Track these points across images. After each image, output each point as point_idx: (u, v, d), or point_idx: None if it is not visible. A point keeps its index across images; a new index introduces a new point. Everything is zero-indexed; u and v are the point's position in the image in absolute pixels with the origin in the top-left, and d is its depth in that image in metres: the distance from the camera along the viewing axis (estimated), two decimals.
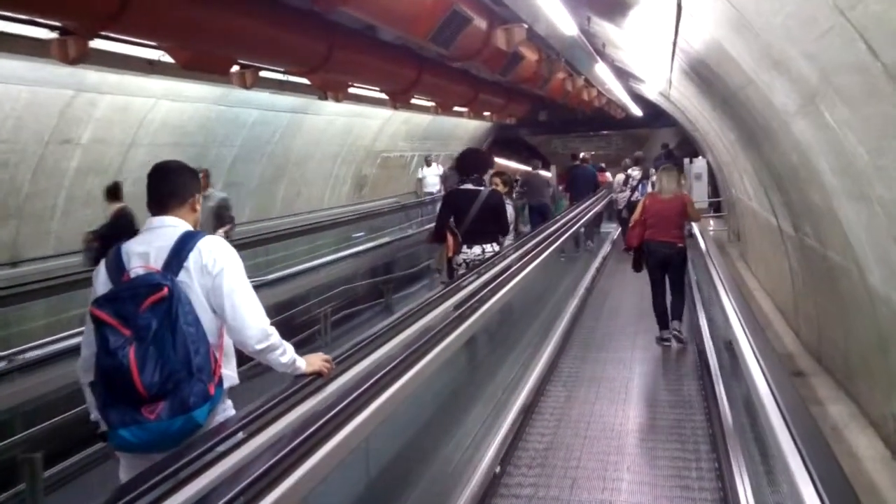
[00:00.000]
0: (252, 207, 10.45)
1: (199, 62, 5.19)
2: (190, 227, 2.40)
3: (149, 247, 2.32)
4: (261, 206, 10.61)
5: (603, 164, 17.11)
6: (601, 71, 9.16)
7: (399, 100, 9.58)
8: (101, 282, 2.33)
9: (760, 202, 8.06)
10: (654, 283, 6.45)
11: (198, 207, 2.51)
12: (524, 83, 9.19)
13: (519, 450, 4.34)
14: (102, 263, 2.37)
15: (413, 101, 11.79)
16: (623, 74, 12.78)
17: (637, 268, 6.63)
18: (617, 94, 12.94)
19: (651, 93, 14.28)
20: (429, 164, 15.79)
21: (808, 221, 5.19)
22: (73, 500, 4.08)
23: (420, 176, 15.79)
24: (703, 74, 6.23)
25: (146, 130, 7.66)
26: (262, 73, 7.01)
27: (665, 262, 6.37)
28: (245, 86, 6.79)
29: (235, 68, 6.60)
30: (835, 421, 4.71)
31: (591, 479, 3.96)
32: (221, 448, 2.03)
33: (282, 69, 6.99)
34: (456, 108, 13.88)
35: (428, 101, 11.83)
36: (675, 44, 5.69)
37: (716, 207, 15.97)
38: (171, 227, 2.37)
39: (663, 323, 6.44)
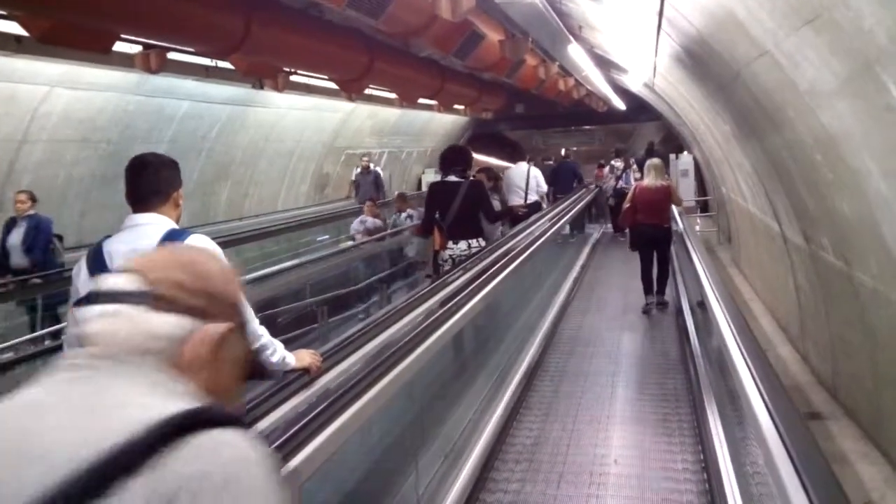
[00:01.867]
0: (189, 212, 9.31)
1: (62, 35, 4.07)
2: (174, 225, 2.30)
3: (133, 245, 2.19)
4: (199, 210, 9.46)
5: (602, 161, 15.89)
6: (577, 56, 8.10)
7: (351, 89, 8.48)
8: (83, 280, 2.23)
9: (759, 204, 7.06)
10: (643, 258, 7.38)
11: (181, 202, 2.40)
12: (489, 70, 8.12)
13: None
14: (83, 261, 2.27)
15: (370, 91, 10.73)
16: (604, 64, 11.76)
17: (633, 247, 7.59)
18: (597, 85, 11.89)
19: (635, 84, 13.29)
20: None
21: (828, 233, 4.18)
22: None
23: (353, 178, 12.89)
24: (698, 55, 5.20)
25: (41, 124, 6.50)
26: (173, 56, 5.89)
27: (653, 241, 7.29)
28: (150, 70, 5.67)
29: (134, 49, 5.48)
30: (868, 490, 3.71)
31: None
32: None
33: (190, 49, 5.85)
34: (423, 101, 12.82)
35: (386, 91, 10.74)
36: (661, 15, 4.65)
37: (702, 206, 14.98)
38: (154, 224, 2.26)
39: (649, 291, 7.39)
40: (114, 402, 0.71)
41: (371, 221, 8.98)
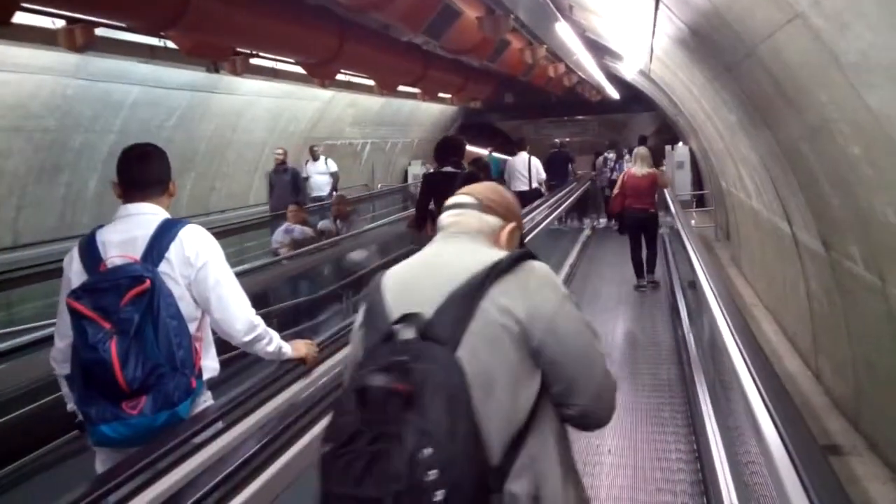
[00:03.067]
0: None
1: None
2: (168, 215, 2.28)
3: (127, 235, 2.20)
4: None
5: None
6: (567, 37, 7.39)
7: (320, 75, 7.77)
8: (75, 271, 2.20)
9: (765, 201, 6.39)
10: (632, 240, 7.94)
11: (174, 192, 2.38)
12: (469, 53, 7.42)
13: None
14: (75, 251, 2.23)
15: (347, 77, 10.00)
16: (597, 50, 11.05)
17: (622, 231, 8.41)
18: (589, 71, 11.18)
19: (629, 71, 12.60)
20: (315, 159, 11.38)
21: (858, 241, 3.51)
22: None
23: (304, 175, 10.99)
24: (704, 32, 4.52)
25: None
26: (104, 33, 5.16)
27: (641, 224, 7.90)
28: (76, 48, 4.95)
29: (58, 23, 4.75)
30: None
31: None
32: (200, 438, 1.98)
33: (121, 25, 5.12)
34: (404, 89, 12.09)
35: (364, 77, 10.02)
36: None
37: (698, 200, 14.32)
38: (149, 214, 2.24)
39: (639, 272, 7.95)
40: (474, 249, 1.44)
41: (298, 230, 7.50)
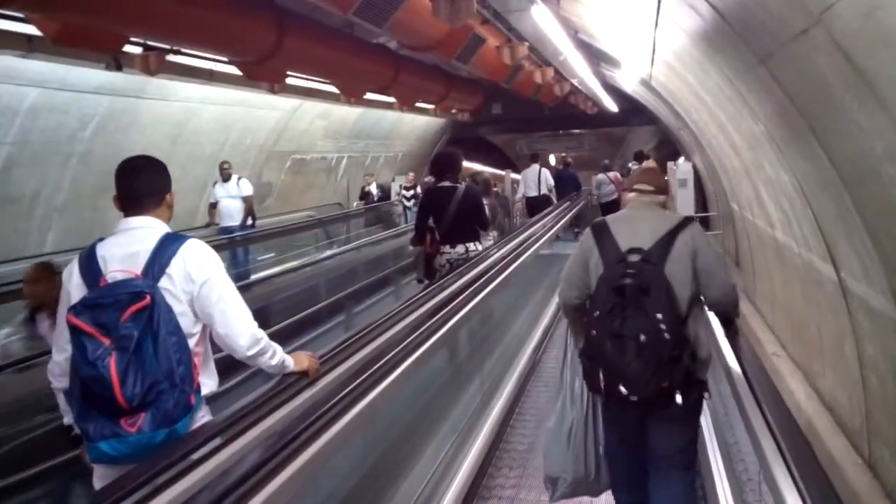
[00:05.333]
0: (61, 231, 7.29)
1: None
2: (168, 229, 2.28)
3: (127, 249, 2.18)
4: (78, 228, 7.44)
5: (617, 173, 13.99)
6: (549, 28, 6.13)
7: (256, 75, 6.51)
8: (75, 285, 2.17)
9: (797, 235, 5.11)
10: None
11: (172, 204, 2.39)
12: (433, 50, 6.15)
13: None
14: (75, 264, 2.20)
15: (306, 82, 8.74)
16: (592, 56, 9.84)
17: None
18: (581, 75, 9.91)
19: (629, 81, 11.41)
20: (225, 179, 9.05)
21: None
22: None
23: (212, 199, 9.19)
24: (735, 13, 3.26)
25: None
26: None
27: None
28: None
29: None
30: None
31: None
32: (199, 454, 1.93)
33: None
34: (379, 98, 10.85)
35: (324, 83, 8.76)
36: None
37: (701, 222, 12.96)
38: (149, 228, 2.24)
39: None
40: (658, 213, 2.82)
41: None
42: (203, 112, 8.87)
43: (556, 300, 8.27)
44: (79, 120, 6.96)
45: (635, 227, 2.67)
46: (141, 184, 2.29)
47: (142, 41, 5.59)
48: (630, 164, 12.98)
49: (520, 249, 5.91)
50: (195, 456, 1.90)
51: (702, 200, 13.39)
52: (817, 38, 2.46)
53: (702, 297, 2.67)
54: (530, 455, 4.05)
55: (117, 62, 5.55)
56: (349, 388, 2.40)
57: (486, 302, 4.27)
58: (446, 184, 5.32)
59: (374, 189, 13.86)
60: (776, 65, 3.20)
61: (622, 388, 2.47)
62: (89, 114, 7.01)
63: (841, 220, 3.60)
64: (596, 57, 10.80)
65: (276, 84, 7.54)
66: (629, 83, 11.89)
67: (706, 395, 2.69)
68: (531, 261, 6.94)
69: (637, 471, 2.78)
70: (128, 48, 5.60)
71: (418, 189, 14.27)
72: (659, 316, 2.42)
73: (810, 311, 5.41)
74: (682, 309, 2.53)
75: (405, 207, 13.62)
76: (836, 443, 4.44)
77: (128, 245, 2.18)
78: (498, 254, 5.38)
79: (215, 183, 9.11)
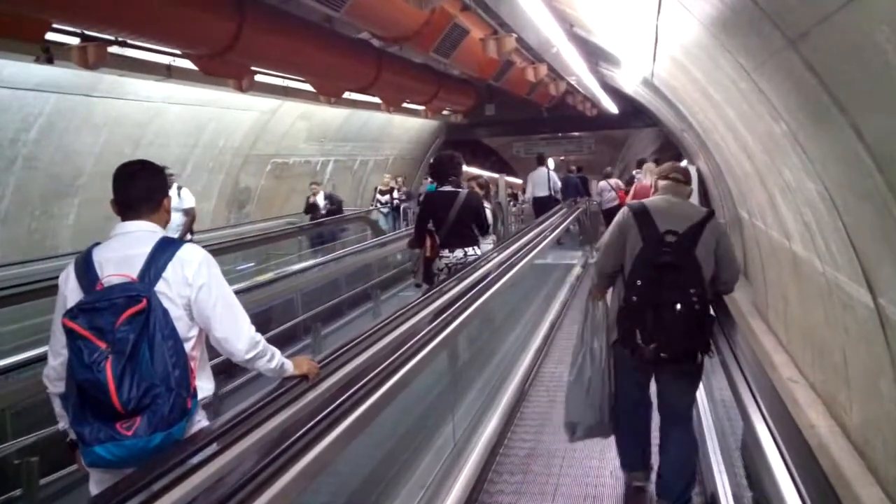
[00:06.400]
0: (2, 243, 6.63)
1: None
2: (164, 233, 2.30)
3: (123, 253, 2.19)
4: (25, 238, 6.78)
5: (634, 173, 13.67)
6: (541, 20, 5.47)
7: (215, 70, 5.85)
8: (71, 288, 2.18)
9: (821, 251, 4.42)
10: None
11: (169, 208, 2.41)
12: (408, 41, 5.49)
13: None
14: (71, 268, 2.22)
15: (282, 81, 8.10)
16: (590, 53, 9.17)
17: None
18: (577, 72, 9.23)
19: (630, 80, 10.73)
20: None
21: None
22: None
23: None
24: None
25: None
26: None
27: None
28: None
29: None
30: None
31: None
32: (198, 459, 1.92)
33: None
34: (365, 99, 10.20)
35: (300, 81, 8.11)
36: None
37: None
38: (145, 232, 2.25)
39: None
40: (688, 203, 3.45)
41: None
42: (168, 112, 8.23)
43: (556, 305, 7.74)
44: (21, 120, 6.30)
45: (672, 213, 3.20)
46: (137, 188, 2.28)
47: (75, 30, 4.94)
48: (633, 172, 13.01)
49: (514, 259, 5.45)
50: (193, 461, 1.89)
51: (706, 206, 12.78)
52: (873, 5, 1.81)
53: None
54: (531, 461, 4.03)
55: (48, 54, 4.89)
56: (350, 391, 2.35)
57: (487, 305, 4.26)
58: (447, 188, 5.30)
59: (320, 200, 10.96)
60: (810, 47, 2.54)
61: (655, 347, 3.07)
62: (32, 113, 6.36)
63: (884, 236, 2.93)
64: (594, 55, 10.12)
65: (240, 81, 6.88)
66: (630, 83, 11.21)
67: (710, 354, 3.23)
68: (533, 262, 6.46)
69: (642, 420, 3.48)
70: (62, 38, 4.96)
71: (396, 193, 13.51)
72: (692, 290, 3.01)
73: (835, 337, 4.73)
74: (707, 287, 3.12)
75: (383, 214, 12.79)
76: (870, 492, 3.78)
77: (124, 249, 2.19)
78: (496, 259, 5.23)
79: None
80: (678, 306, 2.98)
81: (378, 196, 13.33)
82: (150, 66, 6.24)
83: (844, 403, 4.68)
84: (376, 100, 10.34)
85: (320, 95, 8.45)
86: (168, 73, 6.52)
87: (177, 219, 7.73)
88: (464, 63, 6.74)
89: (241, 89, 7.19)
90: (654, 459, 3.55)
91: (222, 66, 5.76)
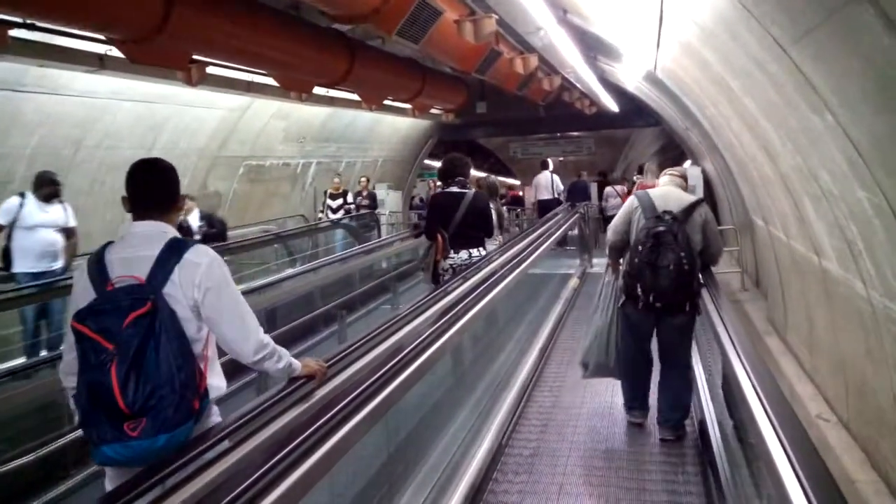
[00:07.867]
0: None
1: None
2: (176, 234, 2.28)
3: (133, 254, 2.18)
4: None
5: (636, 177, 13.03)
6: (527, 0, 4.62)
7: (143, 58, 5.01)
8: (82, 289, 2.17)
9: (867, 273, 3.59)
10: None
11: (182, 207, 2.44)
12: (366, 20, 4.64)
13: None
14: (84, 268, 2.22)
15: (248, 75, 7.25)
16: (587, 46, 8.33)
17: None
18: (572, 63, 8.36)
19: (631, 76, 9.90)
20: (46, 199, 6.09)
21: None
22: None
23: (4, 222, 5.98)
24: None
25: None
26: None
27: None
28: None
29: None
30: None
31: None
32: (211, 455, 1.95)
33: None
34: (342, 96, 9.36)
35: (263, 74, 7.26)
36: None
37: None
38: (157, 232, 2.24)
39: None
40: (683, 193, 4.30)
41: None
42: (118, 110, 7.39)
43: (558, 307, 7.58)
44: None
45: (669, 198, 4.11)
46: (149, 188, 2.29)
47: None
48: (635, 178, 12.66)
49: (512, 264, 5.26)
50: (208, 456, 1.90)
51: (712, 209, 11.94)
52: None
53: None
54: (536, 460, 4.09)
55: None
56: (360, 389, 2.33)
57: (491, 305, 4.30)
58: (454, 189, 5.36)
59: (193, 220, 7.31)
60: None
61: (652, 298, 3.98)
62: None
63: None
64: (592, 49, 9.29)
65: (188, 73, 6.05)
66: (631, 78, 10.37)
67: (698, 313, 4.08)
68: (534, 262, 6.07)
69: (642, 370, 4.38)
70: None
71: (350, 198, 12.11)
72: (682, 254, 3.88)
73: (880, 374, 3.90)
74: (695, 254, 4.00)
75: (332, 221, 11.32)
76: None
77: (134, 250, 2.19)
78: (498, 261, 5.26)
79: (21, 204, 5.95)
80: (671, 266, 3.89)
81: (328, 201, 11.84)
82: (77, 54, 5.40)
83: (889, 457, 3.82)
84: (357, 97, 9.51)
85: (287, 91, 7.60)
86: (101, 63, 5.68)
87: (53, 239, 6.03)
88: (440, 50, 5.88)
89: (190, 82, 6.35)
90: (653, 401, 4.45)
91: (154, 53, 4.93)
